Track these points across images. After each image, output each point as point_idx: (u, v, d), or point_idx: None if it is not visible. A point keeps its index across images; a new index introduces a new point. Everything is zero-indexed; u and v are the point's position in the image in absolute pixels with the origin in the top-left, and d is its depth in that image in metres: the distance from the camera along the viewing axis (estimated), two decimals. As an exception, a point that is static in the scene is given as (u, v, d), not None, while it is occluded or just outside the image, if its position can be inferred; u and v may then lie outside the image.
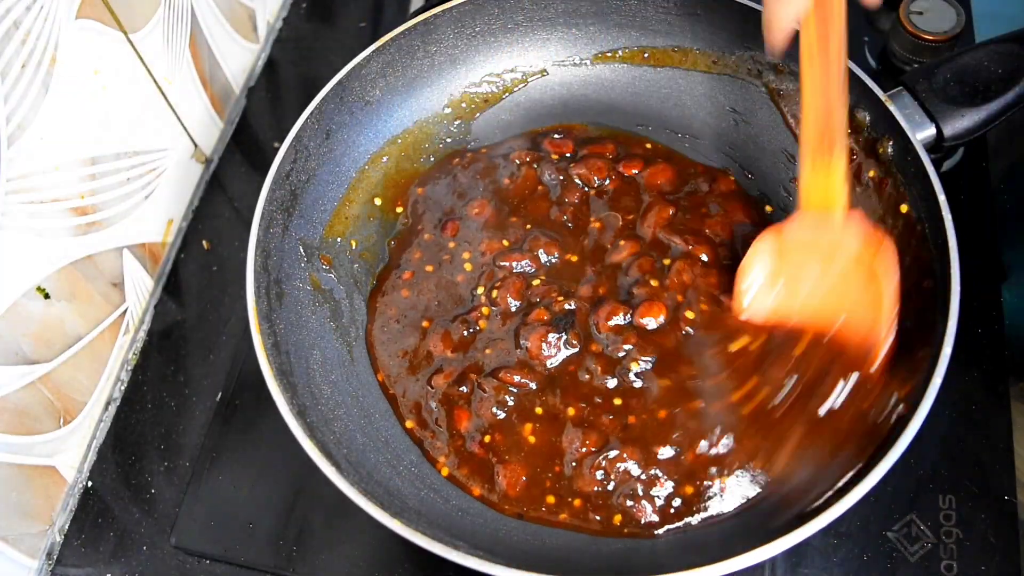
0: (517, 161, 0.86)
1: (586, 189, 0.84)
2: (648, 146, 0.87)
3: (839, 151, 0.65)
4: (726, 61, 0.86)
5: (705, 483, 0.67)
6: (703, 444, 0.67)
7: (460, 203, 0.84)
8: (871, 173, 0.76)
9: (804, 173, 0.67)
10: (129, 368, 0.85)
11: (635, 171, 0.84)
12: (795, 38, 0.65)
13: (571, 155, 0.86)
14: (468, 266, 0.80)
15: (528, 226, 0.82)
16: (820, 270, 0.68)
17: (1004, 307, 0.80)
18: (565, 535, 0.68)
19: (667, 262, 0.78)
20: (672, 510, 0.67)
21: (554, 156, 0.85)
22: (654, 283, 0.76)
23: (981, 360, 0.77)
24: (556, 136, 0.87)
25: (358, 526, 0.73)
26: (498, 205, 0.84)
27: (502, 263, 0.80)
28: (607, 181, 0.83)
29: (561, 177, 0.84)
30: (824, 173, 0.66)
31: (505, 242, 0.81)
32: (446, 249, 0.82)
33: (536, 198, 0.84)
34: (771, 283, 0.71)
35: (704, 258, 0.78)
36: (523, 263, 0.79)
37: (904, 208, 0.73)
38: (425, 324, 0.78)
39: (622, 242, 0.79)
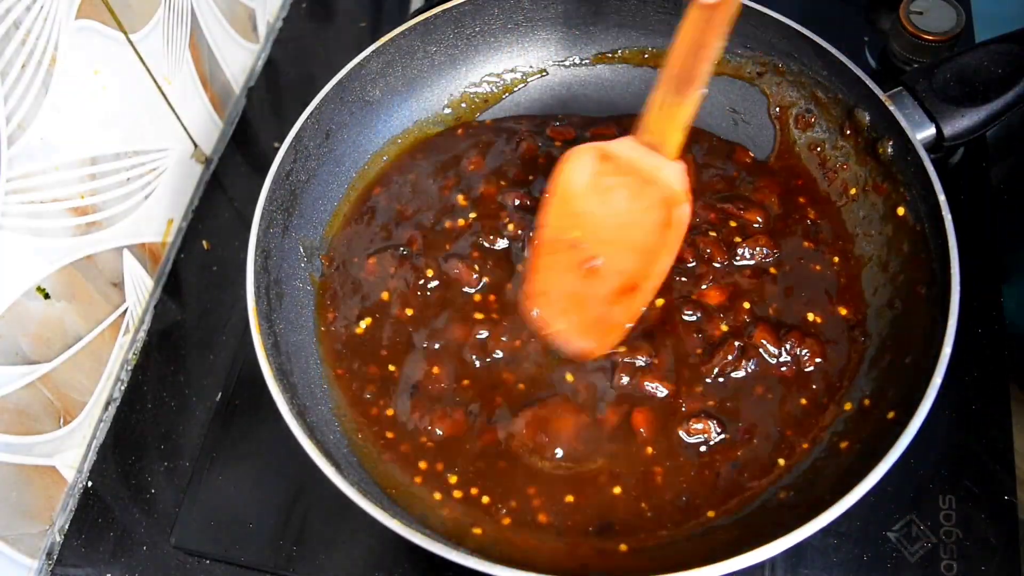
0: (519, 139, 0.85)
1: None
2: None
3: (692, 96, 0.62)
4: (726, 62, 0.86)
5: None
6: None
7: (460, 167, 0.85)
8: (852, 191, 0.77)
9: (653, 103, 0.64)
10: (129, 368, 0.85)
11: None
12: None
13: (573, 139, 0.85)
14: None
15: (531, 177, 0.82)
16: (627, 196, 0.66)
17: (1004, 307, 0.80)
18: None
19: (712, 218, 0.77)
20: None
21: (557, 144, 0.85)
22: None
23: (981, 360, 0.77)
24: (557, 124, 0.87)
25: (358, 526, 0.72)
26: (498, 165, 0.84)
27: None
28: None
29: None
30: (671, 111, 0.63)
31: (503, 182, 0.81)
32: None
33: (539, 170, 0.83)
34: (588, 189, 0.68)
35: (758, 221, 0.77)
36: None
37: (901, 211, 0.73)
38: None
39: None
